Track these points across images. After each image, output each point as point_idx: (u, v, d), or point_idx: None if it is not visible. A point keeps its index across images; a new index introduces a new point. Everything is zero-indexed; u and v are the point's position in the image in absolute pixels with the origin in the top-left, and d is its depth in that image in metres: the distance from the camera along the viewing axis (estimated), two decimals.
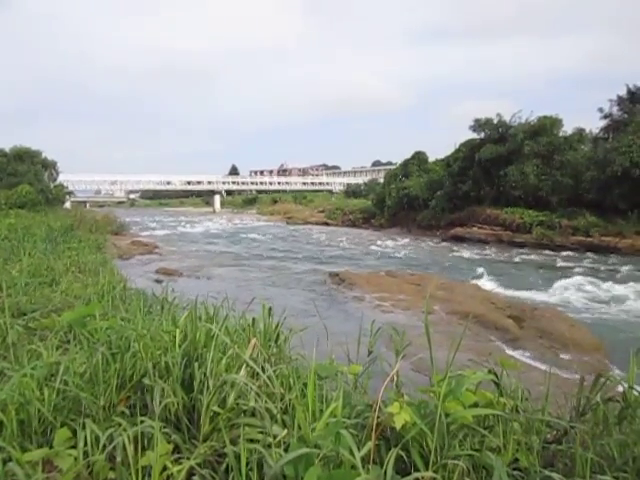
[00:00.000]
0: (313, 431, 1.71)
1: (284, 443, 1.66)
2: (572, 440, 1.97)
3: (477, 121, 43.50)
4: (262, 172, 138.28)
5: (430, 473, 1.54)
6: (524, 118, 41.83)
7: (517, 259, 30.09)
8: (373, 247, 35.17)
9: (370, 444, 1.54)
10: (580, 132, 42.09)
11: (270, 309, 2.84)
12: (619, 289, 19.01)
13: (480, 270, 23.58)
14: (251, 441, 1.76)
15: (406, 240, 39.78)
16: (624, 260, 29.01)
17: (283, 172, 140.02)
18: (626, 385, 2.09)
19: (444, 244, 37.77)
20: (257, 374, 2.05)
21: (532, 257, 30.63)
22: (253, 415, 1.96)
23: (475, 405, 1.88)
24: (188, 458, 1.79)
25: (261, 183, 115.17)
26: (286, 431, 1.69)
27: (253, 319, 2.87)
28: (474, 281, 18.82)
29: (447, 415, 1.69)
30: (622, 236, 32.31)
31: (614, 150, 34.25)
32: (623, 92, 43.11)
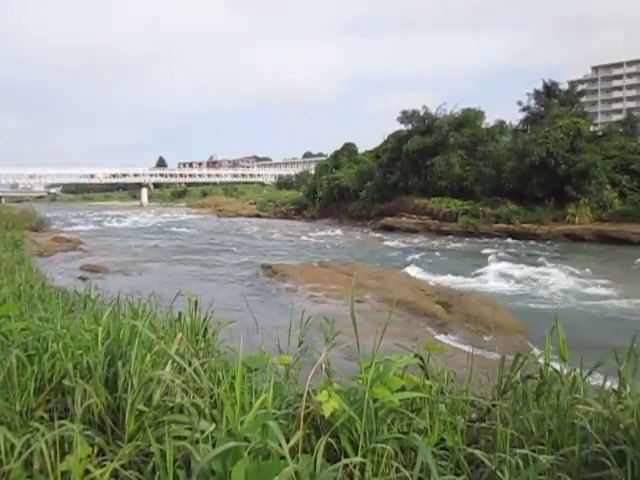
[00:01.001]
0: (242, 424, 1.69)
1: (212, 438, 1.63)
2: (494, 418, 2.05)
3: (404, 113, 44.50)
4: (191, 164, 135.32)
5: (359, 458, 1.56)
6: (449, 110, 43.26)
7: (444, 247, 31.13)
8: (305, 238, 35.30)
9: (299, 434, 1.54)
10: (501, 124, 44.04)
11: (196, 302, 2.78)
12: (539, 272, 20.11)
13: (410, 258, 24.20)
14: (179, 438, 1.71)
15: (338, 231, 40.19)
16: (542, 245, 30.71)
17: (213, 164, 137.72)
18: (543, 362, 2.20)
19: (375, 234, 38.46)
20: (184, 369, 2.00)
21: (458, 244, 31.78)
22: (181, 412, 1.91)
23: (402, 389, 1.92)
24: (112, 460, 1.72)
25: (190, 175, 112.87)
26: (214, 426, 1.66)
27: (180, 314, 2.79)
28: (404, 269, 19.30)
29: (375, 400, 1.72)
30: (540, 223, 34.26)
31: (532, 141, 36.05)
32: (540, 86, 45.55)
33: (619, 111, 78.54)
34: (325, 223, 46.35)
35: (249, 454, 1.52)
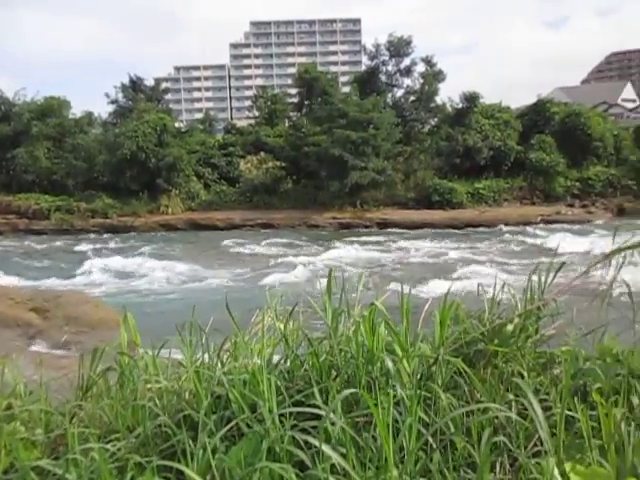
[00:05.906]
0: None
1: None
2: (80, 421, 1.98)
3: None
4: None
5: None
6: (30, 97, 39.84)
7: (37, 247, 28.68)
8: None
9: None
10: (89, 115, 43.02)
11: None
12: (139, 264, 20.67)
13: None
14: None
15: None
16: (141, 237, 31.63)
17: None
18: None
19: None
20: None
21: (54, 244, 29.74)
22: None
23: None
24: None
25: None
26: None
27: None
28: None
29: None
30: (137, 215, 35.33)
31: (122, 135, 36.51)
32: (127, 80, 46.17)
33: (200, 110, 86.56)
34: None
35: None
